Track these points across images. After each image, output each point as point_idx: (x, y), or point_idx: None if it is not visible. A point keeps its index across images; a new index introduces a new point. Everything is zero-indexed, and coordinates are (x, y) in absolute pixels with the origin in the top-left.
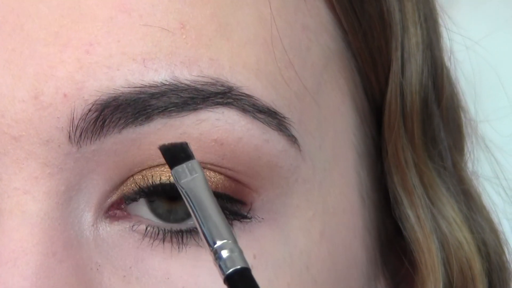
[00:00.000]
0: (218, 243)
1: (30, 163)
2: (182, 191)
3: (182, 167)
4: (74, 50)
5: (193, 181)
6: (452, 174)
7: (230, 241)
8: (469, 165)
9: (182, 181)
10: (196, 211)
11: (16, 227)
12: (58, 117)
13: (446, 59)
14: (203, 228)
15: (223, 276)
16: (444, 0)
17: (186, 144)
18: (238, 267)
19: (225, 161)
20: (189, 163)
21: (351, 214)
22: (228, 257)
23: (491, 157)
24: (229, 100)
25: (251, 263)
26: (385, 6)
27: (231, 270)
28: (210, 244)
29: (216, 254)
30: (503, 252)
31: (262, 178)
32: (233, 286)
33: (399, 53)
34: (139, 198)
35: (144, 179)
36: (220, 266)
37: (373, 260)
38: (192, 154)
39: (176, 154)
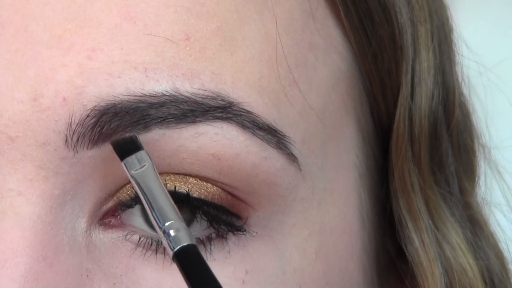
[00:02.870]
0: (166, 224)
1: (25, 165)
2: (132, 180)
3: (132, 158)
4: (76, 55)
5: (142, 170)
6: (458, 199)
7: (176, 222)
8: (480, 191)
9: (132, 171)
10: (146, 197)
11: (8, 229)
12: (56, 120)
13: (461, 84)
14: (153, 212)
15: (171, 254)
16: (464, 30)
17: (136, 137)
18: (185, 244)
19: (222, 176)
20: (138, 154)
21: (350, 235)
22: (175, 236)
23: (503, 183)
24: (229, 115)
25: (243, 278)
26: (397, 28)
27: (178, 247)
28: (160, 225)
29: (165, 234)
30: (509, 280)
31: (259, 195)
32: (180, 261)
33: (409, 77)
34: (134, 205)
35: None
36: (169, 245)
37: (370, 282)
38: (141, 146)
39: (126, 146)
